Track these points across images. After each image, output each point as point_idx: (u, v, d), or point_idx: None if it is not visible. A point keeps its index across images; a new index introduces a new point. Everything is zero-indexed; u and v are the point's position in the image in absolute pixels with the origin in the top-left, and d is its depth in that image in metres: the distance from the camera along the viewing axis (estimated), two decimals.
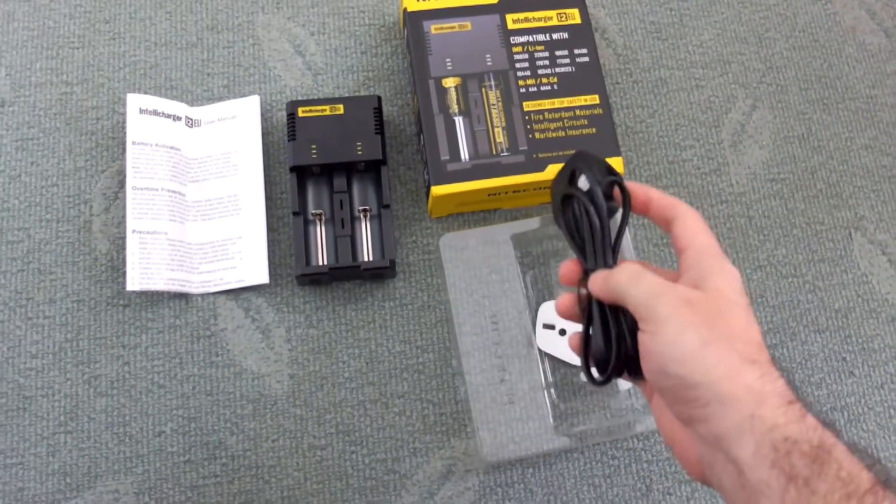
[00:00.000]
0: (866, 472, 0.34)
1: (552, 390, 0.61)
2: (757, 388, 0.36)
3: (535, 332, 0.61)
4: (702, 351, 0.37)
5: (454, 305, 0.59)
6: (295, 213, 0.62)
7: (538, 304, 0.62)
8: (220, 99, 0.67)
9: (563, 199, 0.43)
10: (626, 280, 0.40)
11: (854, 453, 0.35)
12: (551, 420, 0.58)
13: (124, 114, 0.66)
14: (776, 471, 0.34)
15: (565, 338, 0.61)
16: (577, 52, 0.64)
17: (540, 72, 0.63)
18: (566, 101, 0.63)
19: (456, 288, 0.60)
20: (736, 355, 0.36)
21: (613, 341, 0.40)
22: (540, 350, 0.61)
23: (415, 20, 0.64)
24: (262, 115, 0.67)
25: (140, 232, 0.61)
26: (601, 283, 0.41)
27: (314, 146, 0.62)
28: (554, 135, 0.62)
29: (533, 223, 0.61)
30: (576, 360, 0.61)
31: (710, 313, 0.38)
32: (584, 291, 0.42)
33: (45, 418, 0.59)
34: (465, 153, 0.61)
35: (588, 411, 0.60)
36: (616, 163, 0.62)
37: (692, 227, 0.41)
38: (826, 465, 0.34)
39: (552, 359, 0.61)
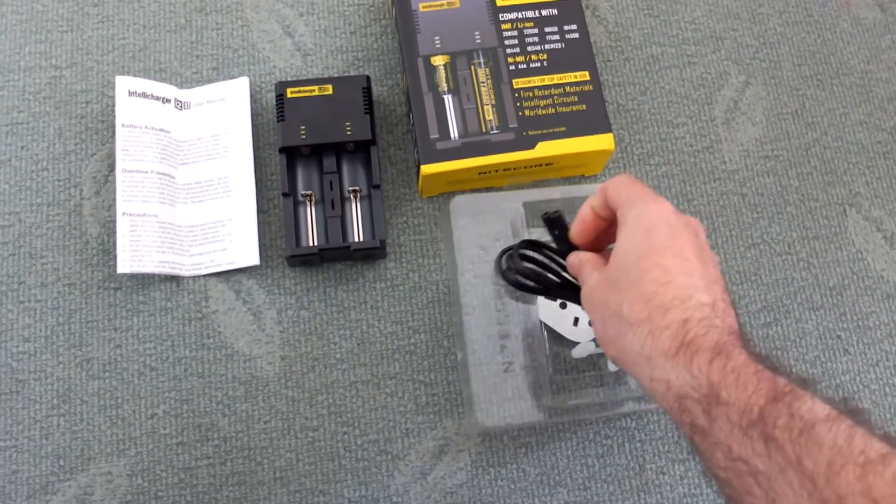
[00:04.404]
0: (759, 393, 0.34)
1: (549, 363, 0.60)
2: (646, 353, 0.38)
3: (537, 303, 0.61)
4: (603, 333, 0.42)
5: (458, 266, 0.58)
6: (285, 195, 0.61)
7: None
8: (210, 81, 0.67)
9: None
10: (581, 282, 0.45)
11: (751, 371, 0.35)
12: (547, 392, 0.58)
13: (113, 97, 0.65)
14: (682, 424, 0.37)
15: (566, 311, 0.61)
16: (566, 28, 0.64)
17: (529, 49, 0.63)
18: (556, 78, 0.62)
19: (461, 253, 0.59)
20: (622, 326, 0.40)
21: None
22: (540, 321, 0.60)
23: None
24: (251, 96, 0.66)
25: (130, 215, 0.61)
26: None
27: (303, 127, 0.62)
28: (544, 112, 0.61)
29: (548, 193, 0.60)
30: (574, 335, 0.61)
31: (607, 291, 0.41)
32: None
33: (38, 401, 0.59)
34: (454, 131, 0.60)
35: (582, 387, 0.60)
36: (607, 140, 0.61)
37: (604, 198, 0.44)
38: (714, 410, 0.35)
39: (551, 331, 0.61)
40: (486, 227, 0.59)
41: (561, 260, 0.49)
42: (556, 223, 0.48)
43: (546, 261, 0.50)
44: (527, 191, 0.61)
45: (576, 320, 0.61)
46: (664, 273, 0.39)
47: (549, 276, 0.50)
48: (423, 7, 0.64)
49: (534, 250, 0.50)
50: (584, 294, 0.44)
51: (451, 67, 0.62)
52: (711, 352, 0.36)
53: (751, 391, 0.34)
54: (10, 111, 0.65)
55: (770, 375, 0.35)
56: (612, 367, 0.59)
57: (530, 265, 0.49)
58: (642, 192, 0.43)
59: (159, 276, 0.62)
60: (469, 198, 0.60)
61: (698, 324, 0.37)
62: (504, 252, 0.51)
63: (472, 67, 0.62)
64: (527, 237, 0.57)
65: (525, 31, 0.63)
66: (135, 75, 0.66)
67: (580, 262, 0.46)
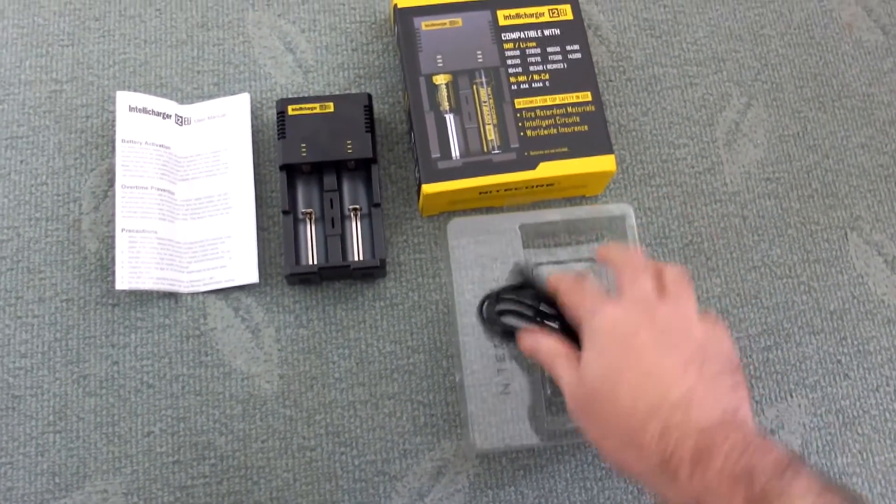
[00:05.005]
0: (741, 489, 0.36)
1: (546, 384, 0.60)
2: (642, 471, 0.40)
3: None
4: (600, 447, 0.44)
5: (457, 287, 0.58)
6: (285, 212, 0.61)
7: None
8: (210, 97, 0.67)
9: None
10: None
11: (725, 476, 0.36)
12: (544, 414, 0.57)
13: (114, 112, 0.65)
14: None
15: None
16: (569, 48, 0.64)
17: (531, 68, 0.63)
18: (558, 98, 0.62)
19: (460, 274, 0.59)
20: (613, 442, 0.42)
21: None
22: None
23: (405, 17, 0.64)
24: (252, 112, 0.66)
25: (129, 231, 0.61)
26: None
27: (304, 144, 0.62)
28: (546, 132, 0.61)
29: (547, 214, 0.60)
30: None
31: (587, 408, 0.43)
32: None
33: (35, 418, 0.59)
34: (455, 151, 0.60)
35: None
36: (608, 161, 0.61)
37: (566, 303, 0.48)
38: None
39: None
40: (484, 248, 0.59)
41: (537, 306, 0.52)
42: (524, 276, 0.52)
43: (521, 309, 0.52)
44: (525, 212, 0.61)
45: None
46: (631, 388, 0.41)
47: (526, 322, 0.52)
48: (426, 25, 0.64)
49: (511, 297, 0.53)
50: (566, 396, 0.46)
51: (452, 86, 0.62)
52: (690, 463, 0.37)
53: (731, 494, 0.36)
54: (9, 125, 0.65)
55: (748, 478, 0.36)
56: None
57: (510, 307, 0.52)
58: (590, 301, 0.45)
59: (157, 292, 0.62)
60: (467, 219, 0.60)
61: (676, 430, 0.39)
62: (484, 300, 0.54)
63: (474, 87, 0.62)
64: (519, 260, 0.58)
65: (527, 50, 0.63)
66: (135, 90, 0.66)
67: (554, 354, 0.47)
